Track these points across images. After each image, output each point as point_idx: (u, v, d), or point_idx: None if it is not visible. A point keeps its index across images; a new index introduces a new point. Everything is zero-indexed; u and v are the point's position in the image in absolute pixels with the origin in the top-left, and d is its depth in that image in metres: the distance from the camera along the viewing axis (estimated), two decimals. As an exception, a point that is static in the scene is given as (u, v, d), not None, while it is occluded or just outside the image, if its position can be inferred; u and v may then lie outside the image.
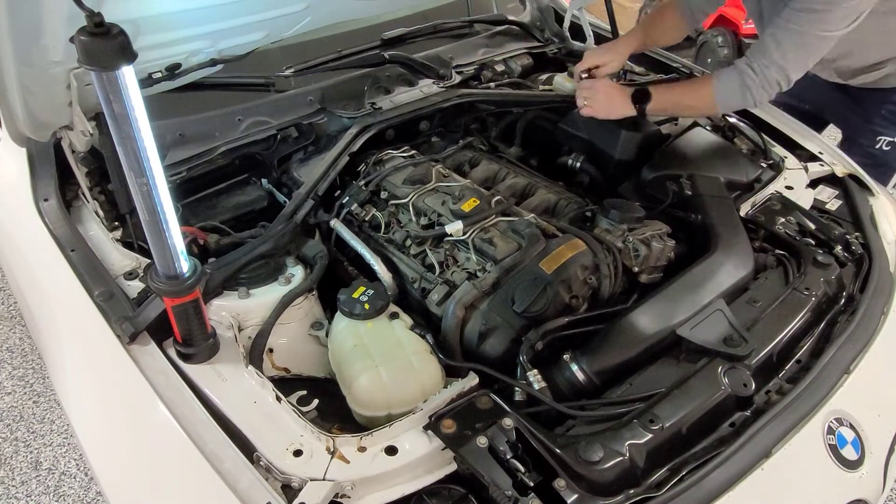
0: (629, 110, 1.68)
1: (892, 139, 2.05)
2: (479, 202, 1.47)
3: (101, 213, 1.48)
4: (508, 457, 1.02)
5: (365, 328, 1.26)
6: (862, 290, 1.44)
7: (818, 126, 2.23)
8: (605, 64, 1.88)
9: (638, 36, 1.96)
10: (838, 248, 1.53)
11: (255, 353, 1.24)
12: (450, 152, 1.81)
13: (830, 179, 1.80)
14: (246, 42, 1.63)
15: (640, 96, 1.67)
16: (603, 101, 1.71)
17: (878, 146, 2.07)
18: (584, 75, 1.88)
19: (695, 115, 1.82)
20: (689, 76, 2.14)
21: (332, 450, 1.04)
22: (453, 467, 1.05)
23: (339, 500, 1.00)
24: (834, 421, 1.20)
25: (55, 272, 1.34)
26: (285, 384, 1.25)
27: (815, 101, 2.21)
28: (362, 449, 1.05)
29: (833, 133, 2.38)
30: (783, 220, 1.60)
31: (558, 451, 1.04)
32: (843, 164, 1.82)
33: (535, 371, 1.20)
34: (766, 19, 1.69)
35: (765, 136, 1.88)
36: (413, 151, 1.76)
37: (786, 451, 1.13)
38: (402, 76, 1.94)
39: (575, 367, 1.22)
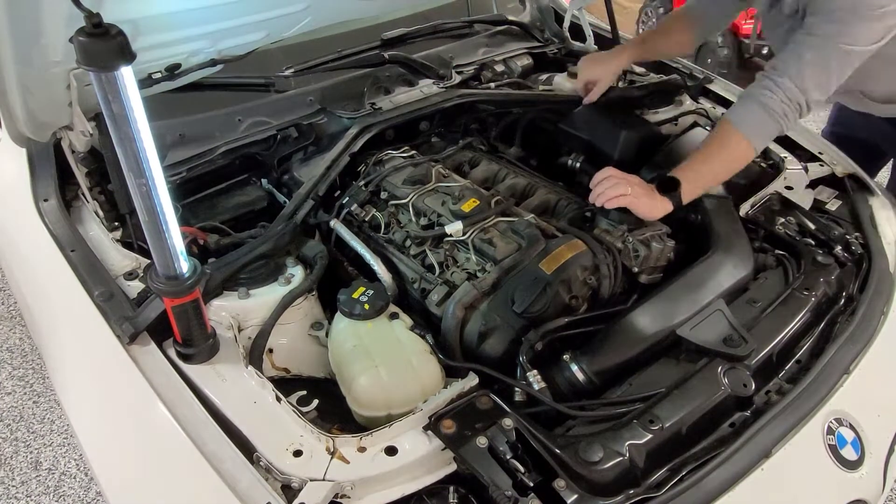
0: (667, 206, 1.45)
1: None
2: (478, 202, 1.47)
3: (101, 213, 1.48)
4: (508, 457, 1.02)
5: (365, 328, 1.26)
6: (862, 290, 1.44)
7: (878, 159, 2.13)
8: (597, 80, 1.82)
9: (636, 49, 1.89)
10: (838, 249, 1.53)
11: (255, 354, 1.24)
12: (450, 152, 1.81)
13: (830, 179, 1.80)
14: (246, 42, 1.63)
15: (668, 185, 1.46)
16: (643, 199, 1.44)
17: None
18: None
19: (738, 169, 1.55)
20: (689, 76, 2.14)
21: (332, 450, 1.04)
22: (453, 467, 1.05)
23: (339, 500, 1.00)
24: (834, 421, 1.20)
25: (55, 272, 1.34)
26: (285, 384, 1.25)
27: (871, 134, 2.03)
28: (362, 449, 1.05)
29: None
30: (783, 220, 1.60)
31: (558, 451, 1.04)
32: (844, 165, 1.82)
33: (535, 371, 1.20)
34: (782, 37, 1.55)
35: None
36: (413, 152, 1.76)
37: (786, 451, 1.13)
38: (402, 76, 1.94)
39: (575, 368, 1.22)
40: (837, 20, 1.35)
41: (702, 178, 1.48)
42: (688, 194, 1.46)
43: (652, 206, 1.44)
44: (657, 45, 1.91)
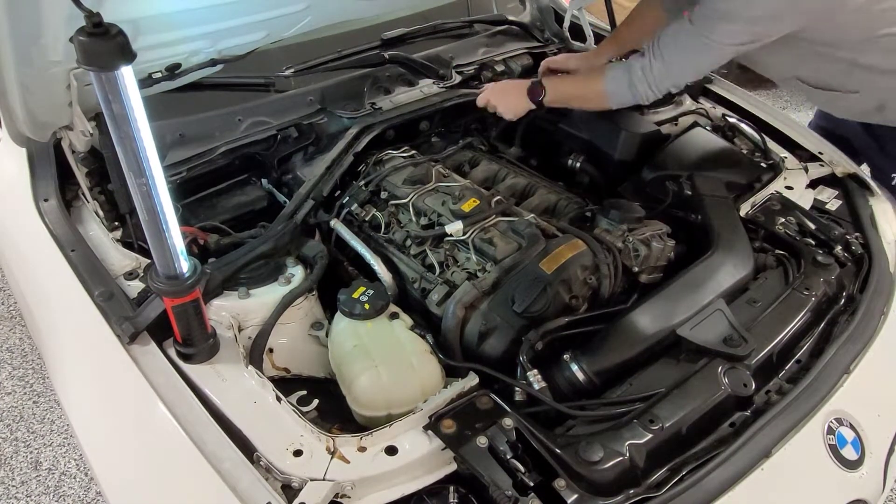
0: (527, 104, 1.72)
1: None
2: (479, 202, 1.47)
3: (101, 213, 1.48)
4: (508, 457, 1.02)
5: (365, 328, 1.26)
6: (862, 290, 1.44)
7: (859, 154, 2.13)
8: (571, 71, 1.91)
9: (612, 46, 1.98)
10: (838, 249, 1.53)
11: (255, 354, 1.24)
12: (450, 152, 1.81)
13: (830, 179, 1.80)
14: (246, 42, 1.63)
15: (536, 89, 1.70)
16: (499, 96, 1.76)
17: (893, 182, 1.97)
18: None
19: (590, 108, 1.78)
20: None
21: (332, 450, 1.04)
22: (453, 467, 1.05)
23: (339, 500, 1.00)
24: (834, 421, 1.20)
25: (55, 272, 1.34)
26: (285, 384, 1.25)
27: (846, 131, 2.05)
28: (362, 449, 1.05)
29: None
30: (783, 220, 1.60)
31: (558, 451, 1.04)
32: (844, 165, 1.82)
33: (535, 371, 1.20)
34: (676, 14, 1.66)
35: (765, 136, 1.88)
36: (413, 151, 1.76)
37: (786, 451, 1.13)
38: (402, 76, 1.94)
39: (575, 367, 1.22)
40: (709, 14, 1.44)
41: (562, 94, 1.72)
42: (547, 99, 1.70)
43: (510, 107, 1.75)
44: (634, 32, 1.95)
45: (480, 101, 1.80)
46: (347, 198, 1.61)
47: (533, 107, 1.73)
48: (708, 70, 1.61)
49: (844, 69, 1.58)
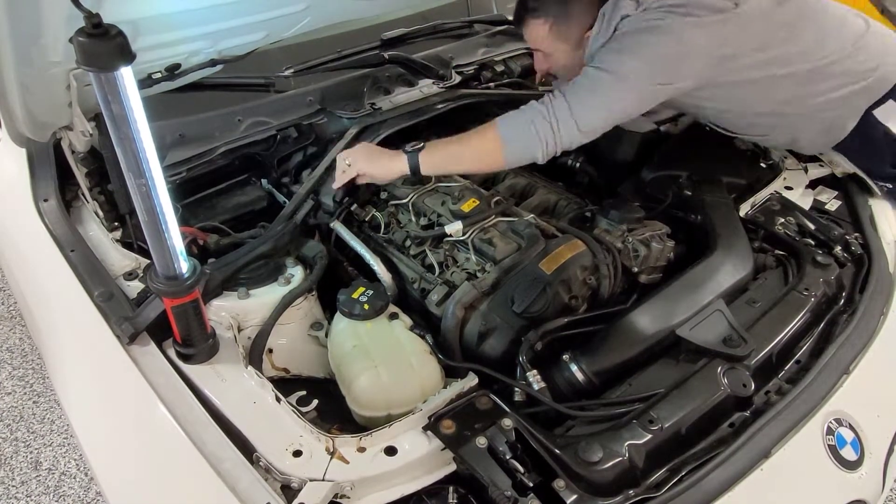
0: (402, 166, 1.46)
1: None
2: (478, 202, 1.47)
3: (100, 213, 1.48)
4: (508, 457, 1.02)
5: (364, 328, 1.26)
6: (861, 290, 1.44)
7: None
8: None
9: None
10: (838, 249, 1.53)
11: (255, 354, 1.24)
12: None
13: (830, 180, 1.80)
14: (246, 42, 1.63)
15: (413, 150, 1.45)
16: (365, 159, 1.49)
17: None
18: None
19: (480, 171, 1.58)
20: None
21: (331, 450, 1.04)
22: (453, 467, 1.05)
23: (338, 500, 1.00)
24: (833, 421, 1.20)
25: (55, 272, 1.34)
26: (285, 384, 1.25)
27: None
28: (362, 449, 1.05)
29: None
30: (783, 220, 1.60)
31: (558, 451, 1.04)
32: (843, 165, 1.82)
33: (535, 371, 1.20)
34: None
35: (764, 137, 1.88)
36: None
37: (785, 451, 1.13)
38: (402, 76, 1.94)
39: (574, 368, 1.22)
40: (617, 52, 1.37)
41: (445, 155, 1.46)
42: (426, 164, 1.44)
43: (384, 168, 1.48)
44: None
45: (339, 167, 1.52)
46: (347, 198, 1.61)
47: (405, 170, 1.47)
48: (620, 112, 1.41)
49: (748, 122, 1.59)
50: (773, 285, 1.42)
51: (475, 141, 1.44)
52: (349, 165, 1.50)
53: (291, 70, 1.86)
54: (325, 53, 1.92)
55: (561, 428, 1.14)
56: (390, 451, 1.05)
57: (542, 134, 1.37)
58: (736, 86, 1.46)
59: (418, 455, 1.05)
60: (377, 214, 1.58)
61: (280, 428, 1.07)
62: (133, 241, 1.44)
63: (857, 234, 1.58)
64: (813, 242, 1.55)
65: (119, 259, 1.38)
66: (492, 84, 2.08)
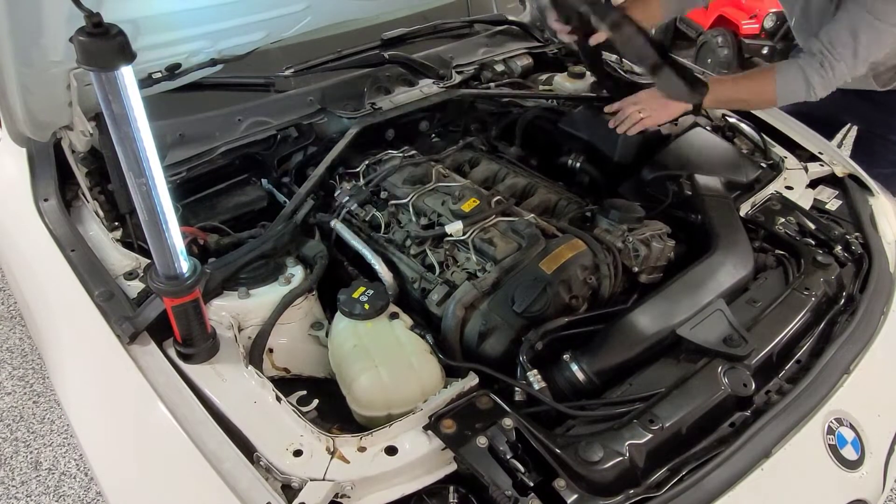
0: (685, 105, 1.67)
1: None
2: (479, 202, 1.47)
3: (101, 213, 1.48)
4: (508, 457, 1.02)
5: (365, 328, 1.26)
6: (862, 290, 1.44)
7: (830, 131, 2.19)
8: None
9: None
10: (838, 248, 1.53)
11: (255, 354, 1.24)
12: (450, 152, 1.81)
13: (830, 179, 1.80)
14: (246, 42, 1.63)
15: (696, 84, 1.60)
16: (657, 105, 1.68)
17: None
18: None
19: (750, 108, 1.82)
20: None
21: (331, 450, 1.04)
22: (453, 467, 1.05)
23: (339, 500, 1.00)
24: (834, 421, 1.20)
25: (55, 272, 1.34)
26: (285, 384, 1.25)
27: (834, 110, 2.09)
28: (362, 449, 1.05)
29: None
30: (783, 220, 1.60)
31: (558, 451, 1.04)
32: (843, 165, 1.82)
33: (535, 371, 1.20)
34: (815, 14, 1.69)
35: (765, 136, 1.88)
36: (413, 151, 1.76)
37: (786, 451, 1.13)
38: (402, 76, 1.94)
39: (575, 367, 1.22)
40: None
41: (725, 94, 1.66)
42: (709, 98, 1.61)
43: (669, 113, 1.67)
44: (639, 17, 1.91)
45: (629, 117, 1.69)
46: (347, 198, 1.61)
47: (688, 107, 1.68)
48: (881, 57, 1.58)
49: None
50: (774, 285, 1.42)
51: (753, 91, 1.65)
52: (643, 116, 1.66)
53: (291, 70, 1.86)
54: (325, 53, 1.92)
55: (561, 427, 1.14)
56: (391, 450, 1.05)
57: (818, 93, 1.56)
58: None
59: (419, 455, 1.05)
60: (377, 214, 1.58)
61: (280, 428, 1.07)
62: (133, 241, 1.44)
63: (857, 234, 1.58)
64: (813, 242, 1.55)
65: (119, 259, 1.38)
66: (492, 84, 2.08)
